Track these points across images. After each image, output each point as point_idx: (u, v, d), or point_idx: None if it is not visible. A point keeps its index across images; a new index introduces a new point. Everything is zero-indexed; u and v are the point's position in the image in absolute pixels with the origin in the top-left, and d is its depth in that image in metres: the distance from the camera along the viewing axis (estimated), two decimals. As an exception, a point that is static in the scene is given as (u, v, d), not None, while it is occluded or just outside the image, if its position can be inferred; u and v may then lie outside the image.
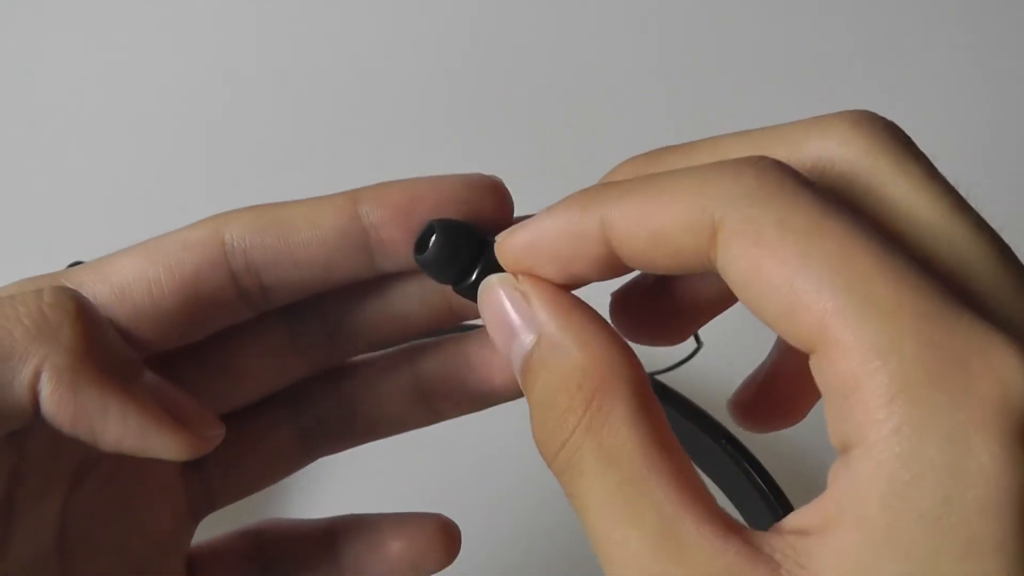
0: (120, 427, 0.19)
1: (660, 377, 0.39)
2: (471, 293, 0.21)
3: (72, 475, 0.21)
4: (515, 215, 0.22)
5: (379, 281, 0.22)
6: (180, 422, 0.19)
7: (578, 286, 0.20)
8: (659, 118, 0.52)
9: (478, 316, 0.22)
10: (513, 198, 0.22)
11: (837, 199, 0.17)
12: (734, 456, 0.37)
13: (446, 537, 0.24)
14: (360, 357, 0.24)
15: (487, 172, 0.22)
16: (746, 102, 0.51)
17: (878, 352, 0.15)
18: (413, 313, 0.23)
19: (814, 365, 0.16)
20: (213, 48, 0.54)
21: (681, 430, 0.39)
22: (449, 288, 0.21)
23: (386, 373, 0.24)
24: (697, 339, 0.34)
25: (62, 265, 0.44)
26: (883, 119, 0.19)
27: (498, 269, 0.20)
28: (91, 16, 0.55)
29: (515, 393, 0.23)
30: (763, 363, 0.23)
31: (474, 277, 0.20)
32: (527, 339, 0.19)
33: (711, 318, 0.23)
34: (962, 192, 0.19)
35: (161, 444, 0.19)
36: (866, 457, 0.15)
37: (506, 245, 0.20)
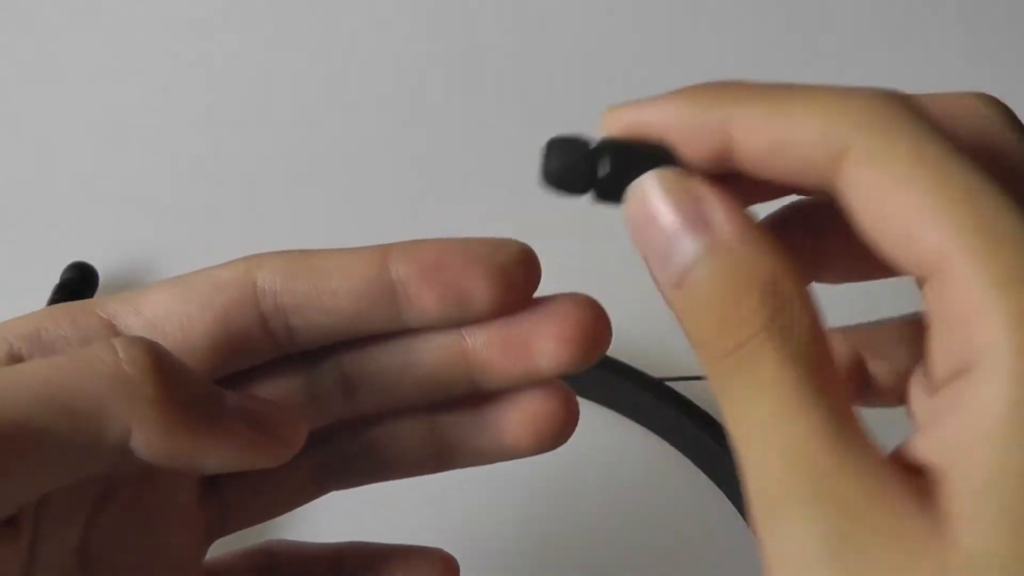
0: (215, 459, 0.20)
1: (670, 384, 0.39)
2: (614, 192, 0.19)
3: (96, 499, 0.22)
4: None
5: (402, 339, 0.23)
6: (268, 436, 0.20)
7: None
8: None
9: (494, 384, 0.22)
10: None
11: (961, 146, 0.17)
12: (730, 451, 0.37)
13: (447, 571, 0.25)
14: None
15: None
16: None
17: (1000, 281, 0.15)
18: (433, 374, 0.23)
19: (927, 292, 0.17)
20: (220, 50, 0.54)
21: (682, 431, 0.39)
22: (469, 347, 0.22)
23: (404, 421, 0.24)
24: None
25: (62, 265, 0.44)
26: (912, 96, 0.19)
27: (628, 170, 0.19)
28: (97, 16, 0.55)
29: (528, 451, 0.23)
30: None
31: (609, 171, 0.19)
32: (692, 245, 0.18)
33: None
34: None
35: (254, 461, 0.20)
36: (990, 376, 0.15)
37: (618, 115, 0.19)
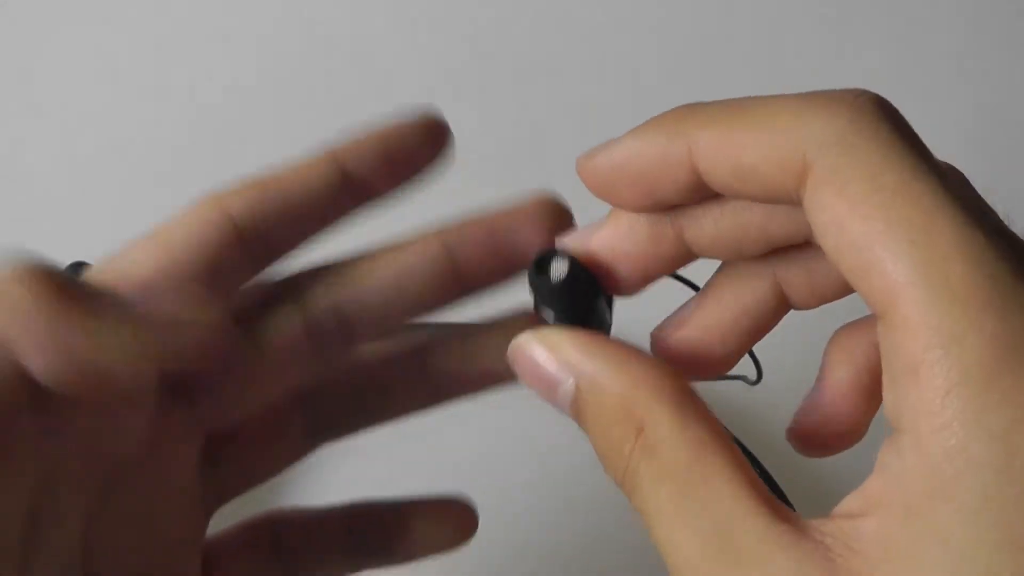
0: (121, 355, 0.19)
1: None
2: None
3: (97, 492, 0.21)
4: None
5: (388, 256, 0.23)
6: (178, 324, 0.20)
7: (663, 209, 0.20)
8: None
9: (480, 279, 0.23)
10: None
11: (930, 153, 0.17)
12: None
13: (465, 516, 0.25)
14: (366, 346, 0.25)
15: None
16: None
17: (942, 339, 0.15)
18: (423, 281, 0.23)
19: (880, 331, 0.16)
20: (221, 50, 0.54)
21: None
22: (453, 249, 0.23)
23: (393, 364, 0.24)
24: (758, 369, 0.34)
25: (62, 265, 0.44)
26: (876, 96, 0.18)
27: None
28: (97, 16, 0.55)
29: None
30: (813, 390, 0.22)
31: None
32: (568, 385, 0.19)
33: (757, 339, 0.22)
34: (1000, 212, 0.19)
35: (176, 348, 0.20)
36: (915, 448, 0.15)
37: (590, 165, 0.20)
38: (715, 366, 0.22)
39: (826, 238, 0.17)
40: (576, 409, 0.20)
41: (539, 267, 0.21)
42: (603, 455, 0.19)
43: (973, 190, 0.19)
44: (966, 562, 0.15)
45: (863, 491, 0.17)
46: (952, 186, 0.16)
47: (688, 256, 0.21)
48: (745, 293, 0.21)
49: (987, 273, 0.15)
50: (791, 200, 0.18)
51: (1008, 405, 0.15)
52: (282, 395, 0.24)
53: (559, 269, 0.21)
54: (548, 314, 0.21)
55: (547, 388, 0.20)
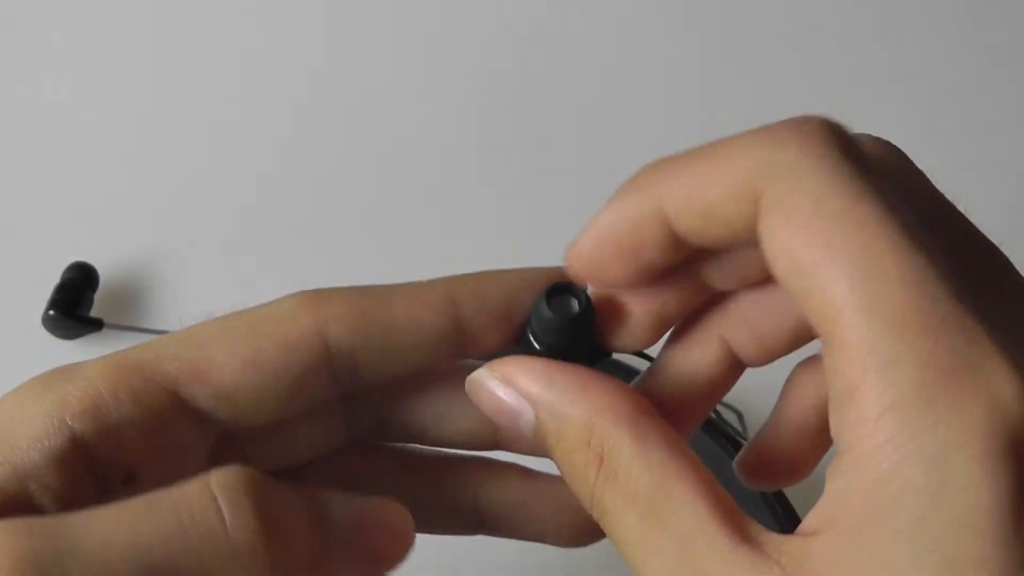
0: None
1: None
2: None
3: (113, 492, 0.21)
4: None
5: (443, 388, 0.22)
6: (379, 553, 0.20)
7: (654, 275, 0.20)
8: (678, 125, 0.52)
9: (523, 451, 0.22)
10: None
11: (878, 173, 0.17)
12: (735, 456, 0.37)
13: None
14: (431, 451, 0.24)
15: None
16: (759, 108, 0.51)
17: (878, 363, 0.15)
18: (461, 425, 0.23)
19: (823, 353, 0.17)
20: (223, 53, 0.54)
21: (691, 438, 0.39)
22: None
23: (449, 485, 0.23)
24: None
25: (62, 265, 0.44)
26: (824, 123, 0.18)
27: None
28: (98, 16, 0.55)
29: (573, 541, 0.23)
30: (766, 423, 0.22)
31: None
32: (528, 415, 0.20)
33: (717, 399, 0.23)
34: (961, 207, 0.19)
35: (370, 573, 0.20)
36: (853, 469, 0.16)
37: (574, 254, 0.20)
38: (682, 430, 0.22)
39: (776, 265, 0.17)
40: (539, 438, 0.20)
41: (551, 298, 0.21)
42: (570, 482, 0.19)
43: (918, 180, 0.19)
44: None
45: (817, 509, 0.17)
46: (897, 207, 0.16)
47: (687, 244, 0.20)
48: (697, 360, 0.21)
49: (926, 296, 0.15)
50: (752, 235, 0.18)
51: (943, 427, 0.15)
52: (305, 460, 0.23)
53: (574, 304, 0.21)
54: (540, 348, 0.21)
55: (509, 420, 0.20)
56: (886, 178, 0.17)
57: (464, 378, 0.21)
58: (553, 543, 0.23)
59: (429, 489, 0.23)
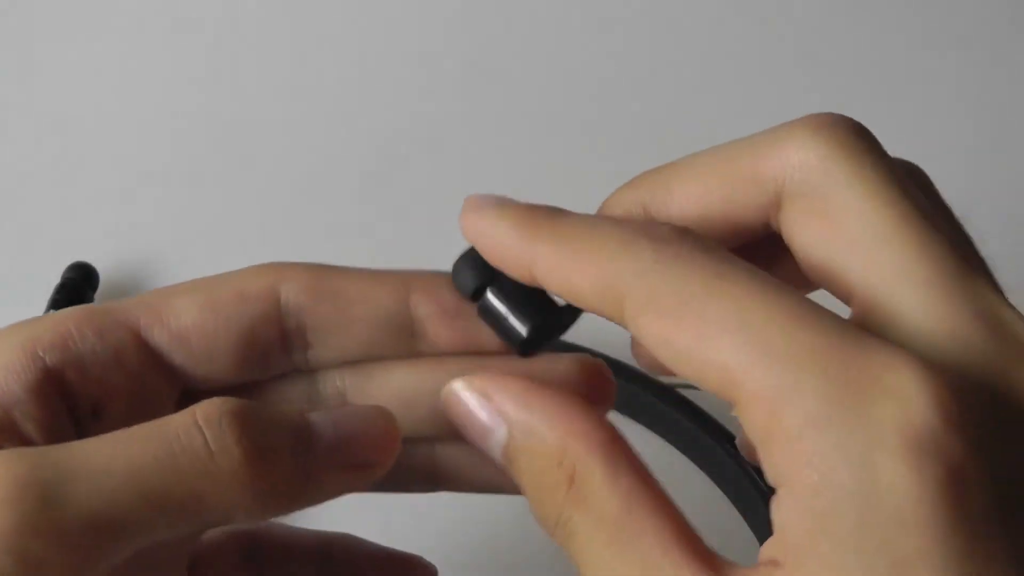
0: (318, 500, 0.20)
1: (682, 391, 0.39)
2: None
3: None
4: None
5: (404, 365, 0.23)
6: (365, 463, 0.21)
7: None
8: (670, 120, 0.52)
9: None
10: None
11: (733, 255, 0.18)
12: (734, 456, 0.37)
13: None
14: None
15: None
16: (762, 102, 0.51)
17: (782, 395, 0.16)
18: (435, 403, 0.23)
19: (738, 416, 0.17)
20: (222, 50, 0.54)
21: (683, 432, 0.39)
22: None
23: (404, 445, 0.24)
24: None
25: (62, 265, 0.44)
26: (847, 120, 0.19)
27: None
28: (98, 15, 0.55)
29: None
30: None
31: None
32: (501, 433, 0.20)
33: None
34: (957, 214, 0.19)
35: (356, 486, 0.21)
36: (788, 494, 0.16)
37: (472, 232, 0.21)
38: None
39: (661, 355, 0.18)
40: (508, 457, 0.20)
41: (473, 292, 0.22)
42: (535, 502, 0.19)
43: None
44: None
45: (771, 541, 0.17)
46: (758, 271, 0.17)
47: None
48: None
49: (806, 325, 0.16)
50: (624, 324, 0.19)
51: (859, 432, 0.15)
52: None
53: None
54: (515, 322, 0.21)
55: (479, 435, 0.20)
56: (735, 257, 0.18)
57: (419, 369, 0.22)
58: (511, 492, 0.23)
59: None
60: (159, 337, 0.21)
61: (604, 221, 0.20)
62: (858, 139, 0.19)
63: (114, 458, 0.18)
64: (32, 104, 0.53)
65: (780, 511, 0.16)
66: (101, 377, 0.21)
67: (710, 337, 0.17)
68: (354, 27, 0.55)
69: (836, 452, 0.15)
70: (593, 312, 0.19)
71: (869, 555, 0.15)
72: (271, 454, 0.19)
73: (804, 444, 0.16)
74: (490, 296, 0.21)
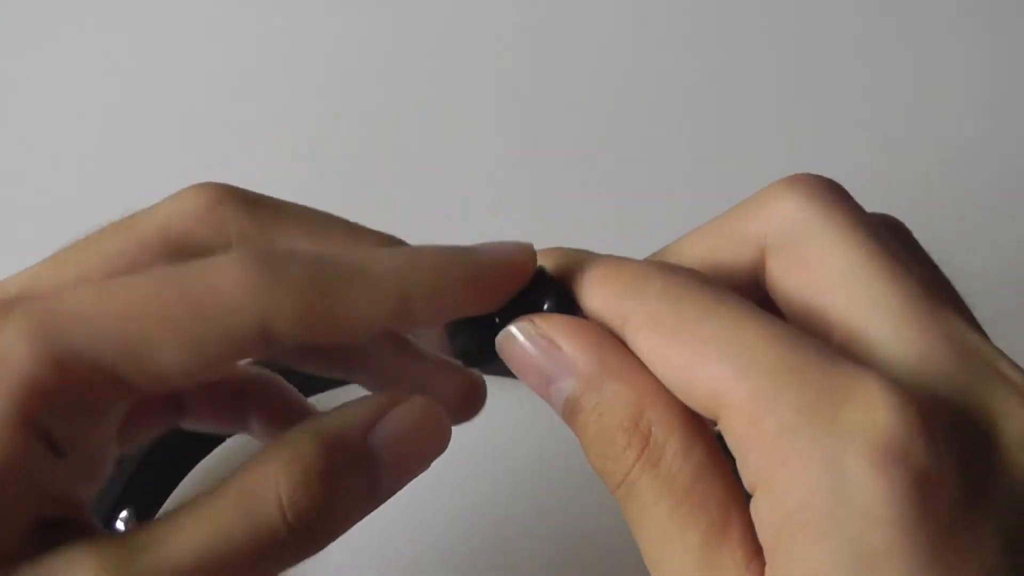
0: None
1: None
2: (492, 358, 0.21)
3: None
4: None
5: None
6: (414, 463, 0.20)
7: None
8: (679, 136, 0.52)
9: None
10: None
11: (726, 289, 0.19)
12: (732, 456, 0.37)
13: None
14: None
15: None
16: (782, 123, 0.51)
17: (762, 404, 0.17)
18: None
19: (721, 430, 0.18)
20: (224, 52, 0.54)
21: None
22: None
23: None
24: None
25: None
26: (820, 178, 0.21)
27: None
28: (101, 16, 0.55)
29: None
30: None
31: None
32: (567, 384, 0.20)
33: None
34: (935, 257, 0.21)
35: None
36: (763, 492, 0.17)
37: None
38: None
39: (656, 371, 0.19)
40: (575, 409, 0.20)
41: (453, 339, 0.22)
42: (599, 457, 0.19)
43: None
44: None
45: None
46: (748, 302, 0.19)
47: None
48: None
49: (787, 345, 0.17)
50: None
51: (831, 435, 0.16)
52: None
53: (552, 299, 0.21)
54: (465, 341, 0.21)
55: (542, 382, 0.20)
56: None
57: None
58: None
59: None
60: (135, 379, 0.19)
61: (625, 259, 0.20)
62: (830, 193, 0.20)
63: (189, 538, 0.18)
64: (32, 104, 0.53)
65: (757, 510, 0.17)
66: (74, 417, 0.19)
67: (702, 353, 0.18)
68: (358, 30, 0.55)
69: (808, 453, 0.16)
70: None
71: (839, 548, 0.16)
72: (346, 505, 0.19)
73: (779, 447, 0.17)
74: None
